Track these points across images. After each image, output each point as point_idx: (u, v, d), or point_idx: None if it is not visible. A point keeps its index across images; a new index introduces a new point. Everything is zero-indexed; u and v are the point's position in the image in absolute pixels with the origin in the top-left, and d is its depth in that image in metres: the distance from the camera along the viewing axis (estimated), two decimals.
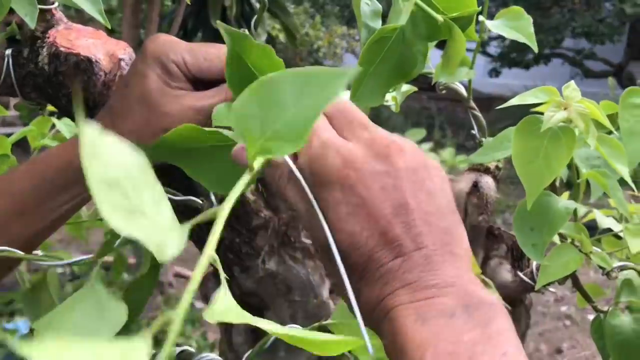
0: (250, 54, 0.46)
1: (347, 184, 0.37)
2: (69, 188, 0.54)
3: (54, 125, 0.85)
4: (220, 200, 0.58)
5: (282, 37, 4.47)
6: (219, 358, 0.54)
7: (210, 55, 0.52)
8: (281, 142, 0.35)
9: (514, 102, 0.53)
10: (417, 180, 0.38)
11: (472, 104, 0.67)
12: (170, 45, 0.52)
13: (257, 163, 0.36)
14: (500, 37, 8.72)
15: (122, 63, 0.62)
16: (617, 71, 8.26)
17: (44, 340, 0.43)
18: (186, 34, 4.56)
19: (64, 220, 0.57)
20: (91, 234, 1.06)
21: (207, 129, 0.46)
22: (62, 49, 0.60)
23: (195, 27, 4.31)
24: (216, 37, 4.11)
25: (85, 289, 0.47)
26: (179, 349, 0.55)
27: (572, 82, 0.52)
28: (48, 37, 0.61)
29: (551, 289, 0.68)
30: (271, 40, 4.24)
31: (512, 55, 8.22)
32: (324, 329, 0.53)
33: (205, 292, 0.67)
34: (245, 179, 0.36)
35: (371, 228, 0.37)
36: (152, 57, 0.52)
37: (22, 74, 0.62)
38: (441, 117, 7.47)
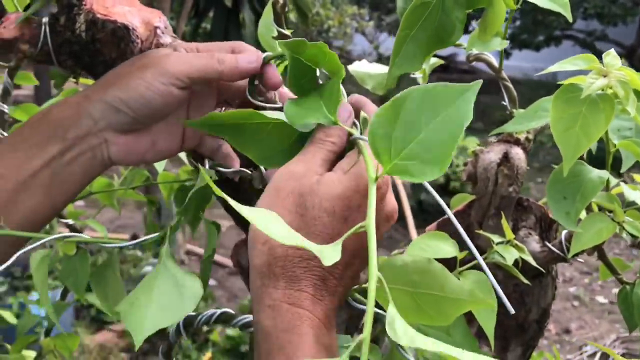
0: (305, 53, 0.49)
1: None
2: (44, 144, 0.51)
3: None
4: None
5: (293, 16, 4.44)
6: None
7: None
8: (419, 164, 0.38)
9: (553, 69, 0.53)
10: None
11: (504, 74, 0.68)
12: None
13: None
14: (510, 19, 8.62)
15: (158, 31, 0.62)
16: (629, 53, 8.18)
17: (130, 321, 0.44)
18: (197, 13, 4.54)
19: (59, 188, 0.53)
20: (105, 212, 1.07)
21: (261, 111, 0.48)
22: (99, 16, 0.60)
23: (207, 6, 4.29)
24: (229, 16, 4.08)
25: (158, 268, 0.48)
26: (219, 311, 0.56)
27: (612, 50, 0.52)
28: (85, 5, 0.61)
29: (579, 259, 0.69)
30: None
31: (523, 37, 8.15)
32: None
33: (238, 259, 0.68)
34: (372, 192, 0.40)
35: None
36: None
37: (59, 41, 0.62)
38: None
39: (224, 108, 0.59)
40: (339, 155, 0.49)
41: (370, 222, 0.39)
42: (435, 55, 0.86)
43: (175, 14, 4.39)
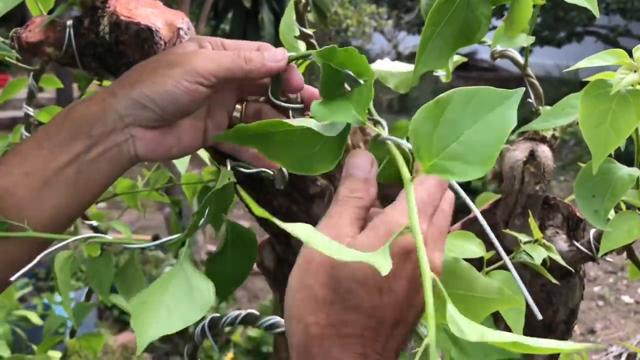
0: (334, 58, 0.49)
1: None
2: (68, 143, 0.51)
3: None
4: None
5: (311, 16, 4.44)
6: (282, 320, 0.55)
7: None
8: (461, 164, 0.38)
9: (580, 65, 0.52)
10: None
11: (529, 71, 0.67)
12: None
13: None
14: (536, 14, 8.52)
15: (181, 32, 0.62)
16: None
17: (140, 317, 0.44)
18: (217, 14, 4.56)
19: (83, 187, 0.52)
20: (127, 214, 1.07)
21: (288, 120, 0.48)
22: (122, 18, 0.61)
23: (226, 7, 4.31)
24: (247, 16, 4.10)
25: (175, 268, 0.48)
26: (243, 312, 0.56)
27: None
28: (108, 7, 0.62)
29: (608, 258, 0.67)
30: None
31: (544, 34, 8.05)
32: None
33: (261, 259, 0.68)
34: (410, 192, 0.39)
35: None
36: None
37: (83, 43, 0.63)
38: None
39: (244, 104, 0.59)
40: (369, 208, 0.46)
41: (414, 223, 0.37)
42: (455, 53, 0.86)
43: (194, 16, 4.42)
